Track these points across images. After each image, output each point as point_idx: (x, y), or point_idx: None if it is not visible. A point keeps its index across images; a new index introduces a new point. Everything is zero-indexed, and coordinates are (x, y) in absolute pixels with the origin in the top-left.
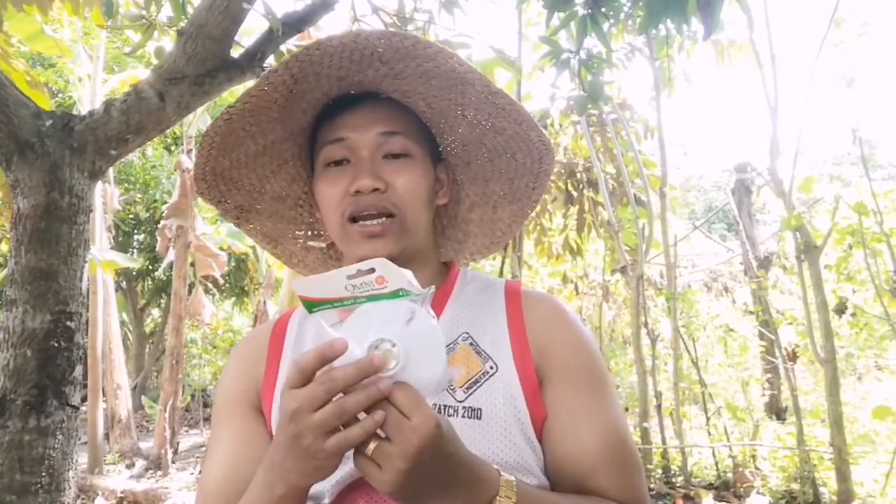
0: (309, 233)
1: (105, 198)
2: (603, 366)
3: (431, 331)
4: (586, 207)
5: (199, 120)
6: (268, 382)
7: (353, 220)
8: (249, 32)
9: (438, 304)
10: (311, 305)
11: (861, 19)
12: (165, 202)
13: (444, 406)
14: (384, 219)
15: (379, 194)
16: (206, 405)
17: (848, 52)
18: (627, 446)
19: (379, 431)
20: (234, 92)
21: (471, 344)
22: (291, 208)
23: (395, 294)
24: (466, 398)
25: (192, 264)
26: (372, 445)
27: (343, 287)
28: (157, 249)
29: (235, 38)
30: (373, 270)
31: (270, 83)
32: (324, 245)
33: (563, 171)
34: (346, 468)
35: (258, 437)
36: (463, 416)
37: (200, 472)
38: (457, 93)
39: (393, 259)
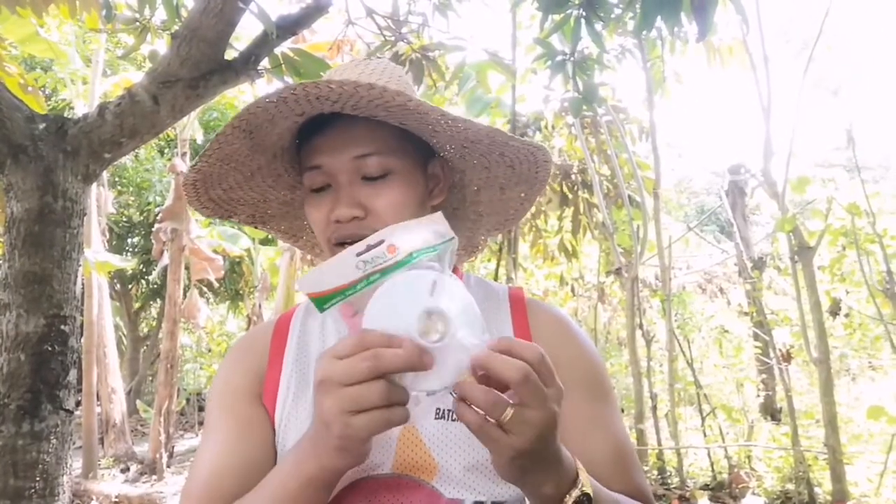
0: None
1: (99, 201)
2: (607, 375)
3: (459, 291)
4: (581, 209)
5: (192, 123)
6: (270, 379)
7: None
8: (244, 36)
9: None
10: (322, 301)
11: (849, 23)
12: (159, 205)
13: (449, 410)
14: None
15: (359, 222)
16: (201, 409)
17: (837, 54)
18: (633, 452)
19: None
20: (227, 95)
21: None
22: (300, 208)
23: (409, 259)
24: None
25: (187, 268)
26: (510, 411)
27: (354, 266)
28: (152, 253)
29: (230, 41)
30: (381, 242)
31: (223, 142)
32: None
33: (557, 173)
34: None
35: (259, 426)
36: None
37: (193, 458)
38: (420, 116)
39: None
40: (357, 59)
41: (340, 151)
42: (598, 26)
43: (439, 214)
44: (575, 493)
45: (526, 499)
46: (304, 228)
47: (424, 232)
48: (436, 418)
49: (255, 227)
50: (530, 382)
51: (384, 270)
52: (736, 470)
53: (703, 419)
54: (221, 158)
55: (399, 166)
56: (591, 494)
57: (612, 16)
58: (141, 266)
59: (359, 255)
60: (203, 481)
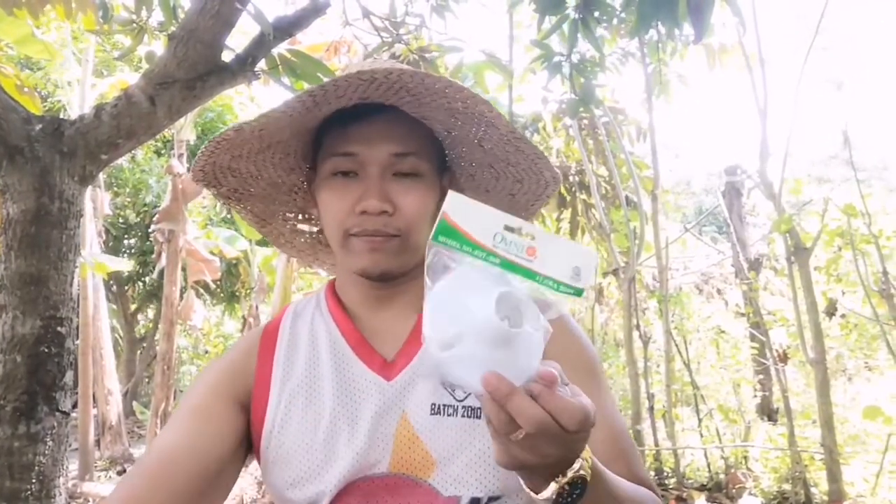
0: (299, 216)
1: (95, 202)
2: (602, 368)
3: (537, 342)
4: (579, 211)
5: (189, 124)
6: (260, 382)
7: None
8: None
9: None
10: (446, 232)
11: (848, 24)
12: (156, 206)
13: (444, 405)
14: (387, 237)
15: (386, 217)
16: None
17: (835, 55)
18: (629, 437)
19: None
20: (224, 96)
21: None
22: (286, 193)
23: (534, 276)
24: (466, 397)
25: (184, 269)
26: (521, 434)
27: (492, 235)
28: (151, 255)
29: (226, 42)
30: (533, 237)
31: (290, 107)
32: (314, 230)
33: None
34: (344, 468)
35: (219, 421)
36: (462, 416)
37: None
38: (479, 130)
39: (390, 273)
40: (376, 58)
41: (379, 144)
42: (599, 29)
43: (593, 252)
44: (570, 473)
45: (522, 491)
46: (276, 215)
47: (567, 264)
48: (431, 414)
49: (229, 204)
50: (544, 435)
51: (509, 264)
52: (733, 470)
53: (699, 420)
54: (260, 128)
55: (427, 171)
56: (587, 476)
57: (613, 19)
58: (138, 267)
59: (507, 228)
60: (152, 462)
